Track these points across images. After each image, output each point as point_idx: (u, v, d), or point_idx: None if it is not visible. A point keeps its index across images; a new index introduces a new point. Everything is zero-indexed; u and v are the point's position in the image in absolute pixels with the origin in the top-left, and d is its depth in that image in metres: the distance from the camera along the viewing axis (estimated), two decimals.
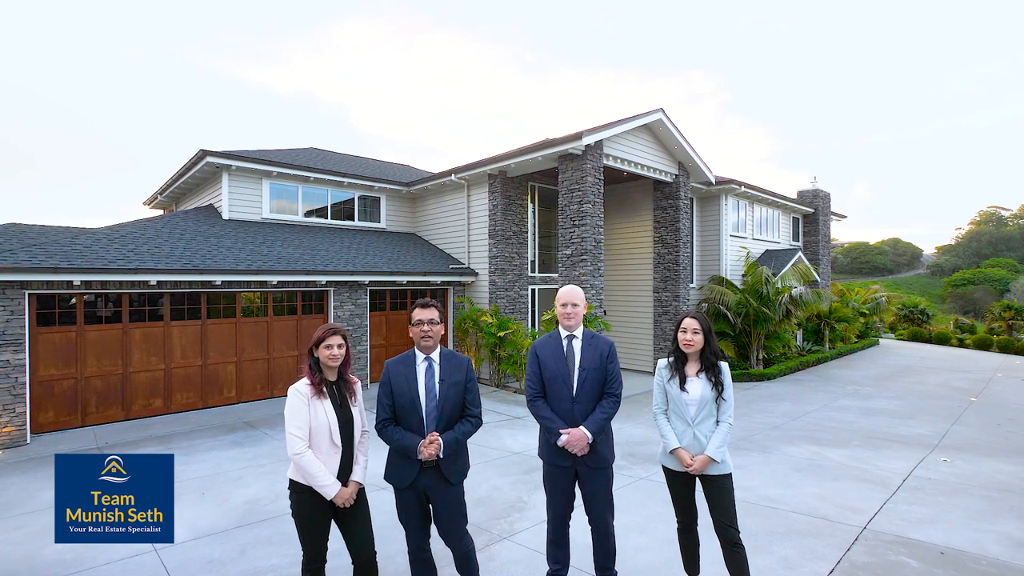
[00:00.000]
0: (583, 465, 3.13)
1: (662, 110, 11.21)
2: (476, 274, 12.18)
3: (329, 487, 2.76)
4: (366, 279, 10.55)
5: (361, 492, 2.95)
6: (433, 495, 2.95)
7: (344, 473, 2.88)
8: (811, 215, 18.18)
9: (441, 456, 2.89)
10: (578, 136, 9.86)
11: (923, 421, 8.52)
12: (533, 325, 12.29)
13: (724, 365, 3.15)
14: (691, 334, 3.11)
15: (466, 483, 3.00)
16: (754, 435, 7.61)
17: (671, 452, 3.15)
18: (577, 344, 3.23)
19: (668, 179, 12.29)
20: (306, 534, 2.84)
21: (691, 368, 3.17)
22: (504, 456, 6.63)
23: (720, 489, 3.07)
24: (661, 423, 3.23)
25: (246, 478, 5.84)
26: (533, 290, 12.46)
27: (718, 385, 3.08)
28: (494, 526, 4.59)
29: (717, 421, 3.11)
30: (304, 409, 2.79)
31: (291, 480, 2.84)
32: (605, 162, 10.63)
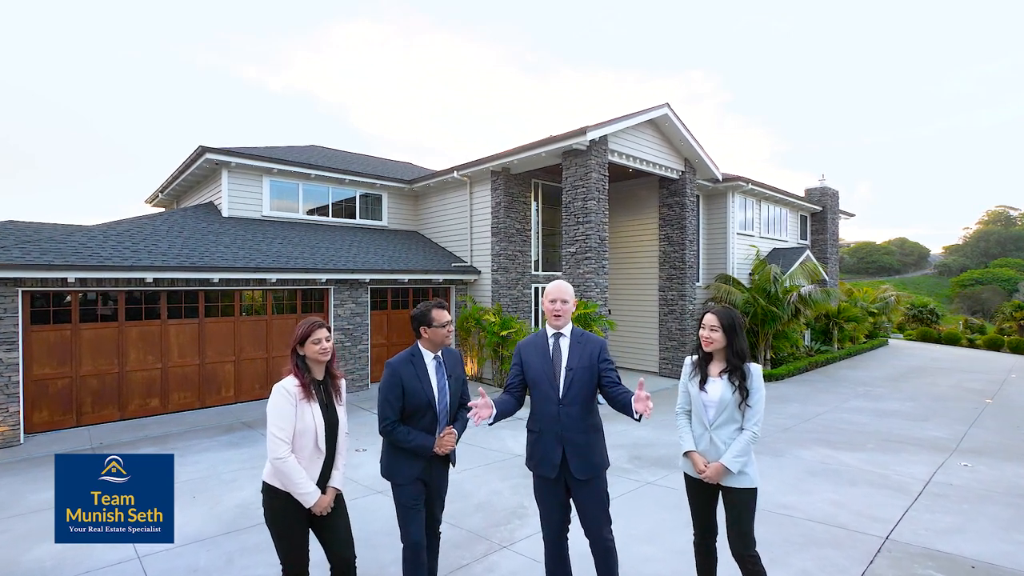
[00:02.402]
0: (572, 476, 2.87)
1: (668, 105, 10.96)
2: (479, 272, 11.98)
3: (310, 495, 2.58)
4: (367, 277, 10.37)
5: (338, 496, 2.80)
6: (432, 482, 3.04)
7: (324, 479, 2.70)
8: (819, 213, 17.89)
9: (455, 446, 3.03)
10: (582, 131, 9.64)
11: (939, 423, 8.26)
12: (537, 324, 12.07)
13: (754, 368, 2.85)
14: (708, 331, 2.87)
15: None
16: (764, 437, 7.37)
17: (684, 455, 2.94)
18: (564, 343, 2.99)
19: (674, 176, 12.05)
20: (285, 544, 2.64)
21: (714, 368, 2.92)
22: (505, 458, 6.43)
23: (738, 504, 2.79)
24: (681, 423, 3.02)
25: (240, 480, 5.67)
26: (536, 289, 12.25)
27: (742, 389, 2.79)
28: (493, 534, 4.38)
29: (742, 428, 2.84)
30: (290, 410, 2.59)
31: (266, 484, 2.63)
32: (610, 158, 10.40)
